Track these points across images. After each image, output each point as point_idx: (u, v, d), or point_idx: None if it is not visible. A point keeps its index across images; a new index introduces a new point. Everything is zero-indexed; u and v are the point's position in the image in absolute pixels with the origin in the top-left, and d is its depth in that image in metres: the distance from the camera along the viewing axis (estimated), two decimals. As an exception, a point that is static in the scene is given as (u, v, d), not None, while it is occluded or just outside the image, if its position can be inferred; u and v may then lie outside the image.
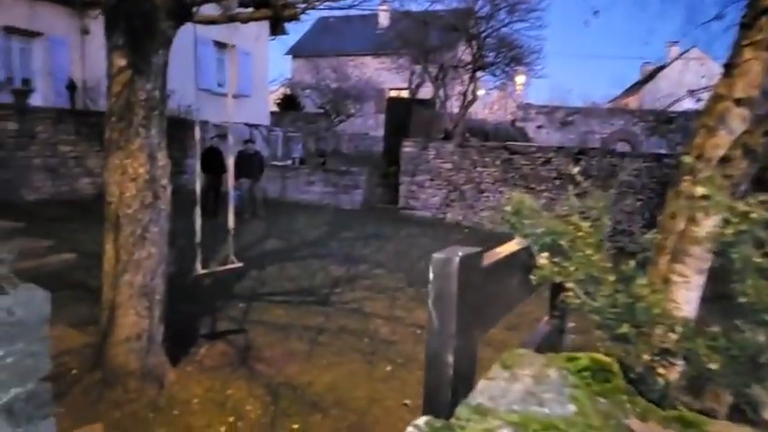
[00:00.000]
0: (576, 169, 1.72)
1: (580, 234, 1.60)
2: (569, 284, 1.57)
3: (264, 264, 8.97)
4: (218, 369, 5.38)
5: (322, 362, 5.77)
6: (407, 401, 4.93)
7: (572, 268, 1.56)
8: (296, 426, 4.60)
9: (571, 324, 2.19)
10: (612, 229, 1.89)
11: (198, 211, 5.61)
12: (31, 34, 13.80)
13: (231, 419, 4.54)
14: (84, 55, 14.56)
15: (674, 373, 1.48)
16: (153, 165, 4.78)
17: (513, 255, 1.57)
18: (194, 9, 5.10)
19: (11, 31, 13.33)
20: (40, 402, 1.72)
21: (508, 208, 1.58)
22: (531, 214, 1.57)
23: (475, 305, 1.22)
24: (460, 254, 1.16)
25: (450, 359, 1.12)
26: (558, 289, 1.87)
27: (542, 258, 1.58)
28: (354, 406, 4.95)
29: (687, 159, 2.38)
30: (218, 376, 5.20)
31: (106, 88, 4.77)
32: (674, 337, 1.45)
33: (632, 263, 1.49)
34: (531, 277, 1.57)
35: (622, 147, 21.82)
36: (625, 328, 1.46)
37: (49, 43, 14.03)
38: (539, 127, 24.69)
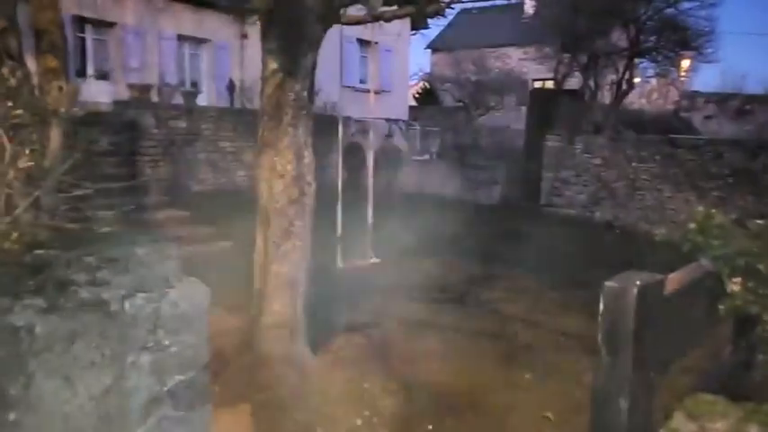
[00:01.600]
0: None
1: (786, 257, 1.31)
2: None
3: (401, 259, 9.03)
4: (355, 361, 5.50)
5: (457, 363, 5.65)
6: (549, 414, 4.65)
7: (773, 298, 1.29)
8: (430, 426, 4.55)
9: (761, 357, 1.85)
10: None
11: (339, 206, 5.78)
12: (199, 41, 15.26)
13: (367, 413, 4.61)
14: (242, 58, 15.78)
15: None
16: (299, 162, 4.98)
17: (696, 280, 1.33)
18: (341, 11, 5.22)
19: (183, 38, 14.84)
20: (200, 390, 1.81)
21: (692, 225, 1.34)
22: (720, 232, 1.32)
23: (654, 341, 1.03)
24: (639, 283, 0.98)
25: (624, 404, 0.95)
26: (748, 317, 1.58)
27: (734, 284, 1.33)
28: (491, 412, 4.78)
29: None
30: (355, 368, 5.31)
31: (259, 90, 5.05)
32: None
33: None
34: (720, 307, 1.32)
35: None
36: None
37: (213, 48, 15.41)
38: (707, 117, 22.03)
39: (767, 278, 1.29)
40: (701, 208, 1.36)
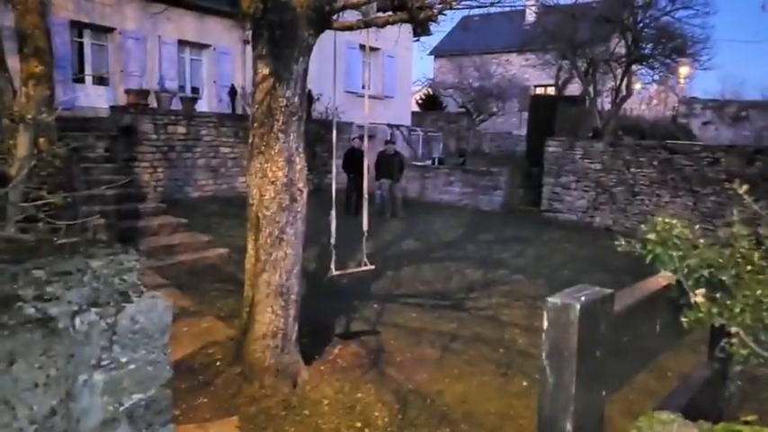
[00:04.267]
0: (743, 187, 1.35)
1: (749, 268, 1.26)
2: (734, 329, 1.25)
3: (400, 265, 8.99)
4: (349, 370, 5.43)
5: (453, 371, 5.59)
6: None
7: (737, 310, 1.23)
8: (421, 437, 4.48)
9: (738, 368, 1.78)
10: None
11: (333, 212, 5.73)
12: (200, 46, 15.27)
13: (359, 425, 4.54)
14: (244, 63, 15.77)
15: None
16: (291, 168, 4.94)
17: (656, 293, 1.27)
18: (334, 17, 5.18)
19: (184, 43, 14.85)
20: (160, 409, 1.74)
21: (650, 235, 1.28)
22: (681, 243, 1.26)
23: (603, 359, 0.98)
24: (583, 299, 0.93)
25: (569, 426, 0.90)
26: (720, 329, 1.52)
27: (698, 296, 1.27)
28: (485, 422, 4.71)
29: None
30: (349, 378, 5.24)
31: (250, 95, 5.03)
32: None
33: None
34: (683, 320, 1.27)
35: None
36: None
37: (215, 54, 15.42)
38: (705, 123, 22.07)
39: (731, 290, 1.24)
40: (659, 218, 1.31)
